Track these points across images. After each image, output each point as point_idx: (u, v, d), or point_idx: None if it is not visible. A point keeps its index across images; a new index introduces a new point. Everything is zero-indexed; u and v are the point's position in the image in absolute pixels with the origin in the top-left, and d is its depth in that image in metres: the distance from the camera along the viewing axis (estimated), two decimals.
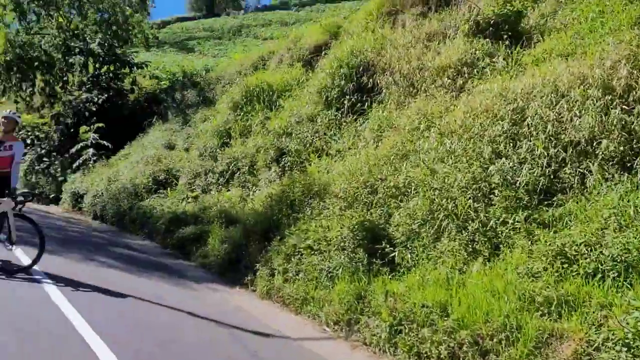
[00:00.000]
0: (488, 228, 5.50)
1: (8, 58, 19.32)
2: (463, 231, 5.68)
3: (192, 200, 12.37)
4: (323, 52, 12.98)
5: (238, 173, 12.04)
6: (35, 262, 6.93)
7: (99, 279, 7.08)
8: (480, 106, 6.73)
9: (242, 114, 13.44)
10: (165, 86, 21.26)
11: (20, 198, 7.17)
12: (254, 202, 10.13)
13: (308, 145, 10.44)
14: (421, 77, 8.82)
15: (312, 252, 6.97)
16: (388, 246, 6.16)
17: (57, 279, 6.63)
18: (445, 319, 4.84)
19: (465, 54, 8.28)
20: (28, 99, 21.60)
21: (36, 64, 20.00)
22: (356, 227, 6.65)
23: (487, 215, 5.60)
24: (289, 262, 7.17)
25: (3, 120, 7.42)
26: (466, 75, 8.02)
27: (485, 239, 5.47)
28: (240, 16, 46.20)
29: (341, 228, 6.82)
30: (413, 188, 6.65)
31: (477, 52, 8.24)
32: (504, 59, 7.78)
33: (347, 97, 10.33)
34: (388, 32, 10.73)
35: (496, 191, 5.67)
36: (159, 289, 7.09)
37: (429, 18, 10.17)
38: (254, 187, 11.33)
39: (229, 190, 11.85)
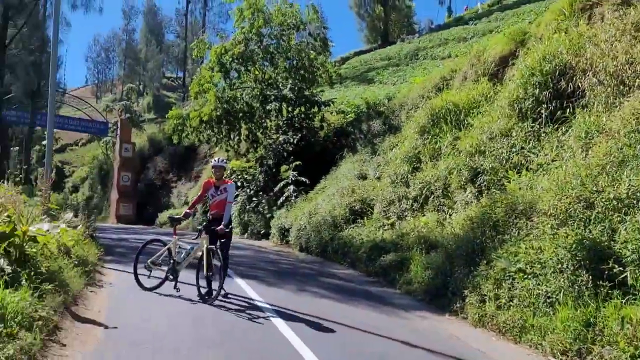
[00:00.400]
0: None
1: (218, 113, 22.15)
2: None
3: (389, 227, 12.56)
4: (510, 63, 12.36)
5: (432, 197, 11.92)
6: (220, 288, 7.38)
7: (314, 308, 7.52)
8: None
9: (429, 137, 13.36)
10: (351, 119, 22.18)
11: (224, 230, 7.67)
12: (453, 225, 9.89)
13: (504, 161, 9.93)
14: (633, 72, 7.85)
15: (525, 276, 6.53)
16: (616, 266, 5.49)
17: (279, 310, 7.20)
18: None
19: None
20: (235, 146, 24.40)
21: (240, 115, 22.55)
22: (574, 246, 6.07)
23: None
24: (500, 288, 6.81)
25: (214, 169, 8.06)
26: None
27: None
28: (415, 40, 46.43)
29: (556, 248, 6.28)
30: None
31: None
32: None
33: (544, 105, 9.65)
34: (584, 29, 9.79)
35: None
36: (369, 317, 7.25)
37: (634, 5, 9.04)
38: (450, 210, 11.10)
39: (424, 215, 11.79)
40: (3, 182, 8.85)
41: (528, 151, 9.50)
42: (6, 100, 26.72)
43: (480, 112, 12.07)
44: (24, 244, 6.45)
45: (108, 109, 57.88)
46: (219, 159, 8.19)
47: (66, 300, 6.40)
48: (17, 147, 42.59)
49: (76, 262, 8.00)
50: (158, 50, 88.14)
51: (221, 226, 7.54)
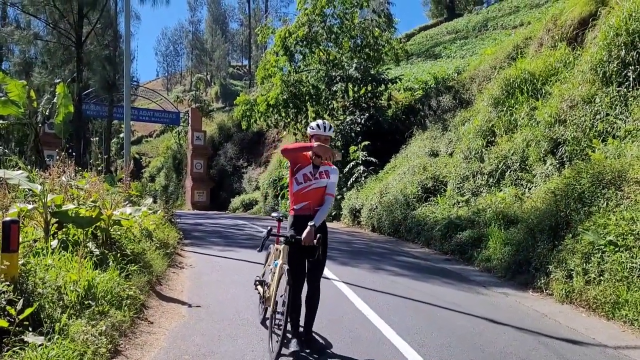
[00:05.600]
0: None
1: (285, 97, 22.31)
2: None
3: (464, 204, 12.21)
4: (591, 24, 11.57)
5: (508, 171, 11.46)
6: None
7: (391, 286, 7.42)
8: None
9: (504, 108, 12.81)
10: (420, 95, 21.69)
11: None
12: (533, 199, 9.46)
13: (588, 130, 9.37)
14: None
15: (617, 249, 6.13)
16: None
17: (355, 288, 7.16)
18: None
19: None
20: (303, 129, 24.50)
21: (306, 97, 22.61)
22: None
23: None
24: (589, 262, 6.43)
25: (316, 138, 4.63)
26: None
27: None
28: (483, 10, 44.66)
29: None
30: None
31: None
32: None
33: (631, 67, 8.99)
34: None
35: None
36: (448, 294, 7.06)
37: None
38: (528, 184, 10.64)
39: (501, 190, 11.36)
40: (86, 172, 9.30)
41: (614, 117, 8.90)
42: (85, 94, 28.19)
43: (559, 80, 11.42)
44: (110, 228, 6.77)
45: (178, 99, 59.98)
46: (324, 123, 4.74)
47: (151, 280, 6.66)
48: (97, 138, 44.95)
49: (158, 245, 8.34)
50: (223, 40, 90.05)
51: (308, 228, 4.38)
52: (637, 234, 6.04)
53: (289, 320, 4.38)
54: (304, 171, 4.64)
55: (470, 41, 34.04)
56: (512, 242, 8.57)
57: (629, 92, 8.94)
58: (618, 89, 9.17)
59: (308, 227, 4.37)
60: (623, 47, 9.19)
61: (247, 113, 24.15)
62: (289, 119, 23.79)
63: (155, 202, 14.07)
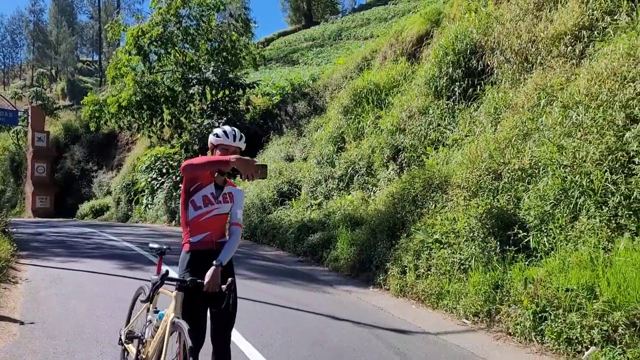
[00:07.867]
0: (632, 200, 5.08)
1: (138, 98, 21.38)
2: (603, 207, 5.31)
3: (316, 207, 12.75)
4: (426, 42, 12.77)
5: (357, 176, 12.21)
6: None
7: (242, 290, 7.51)
8: (606, 70, 6.24)
9: (353, 117, 13.62)
10: (277, 101, 22.10)
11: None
12: (376, 202, 10.21)
13: (423, 138, 10.33)
14: (535, 50, 8.37)
15: (441, 246, 6.90)
16: (520, 232, 5.92)
17: None
18: (594, 301, 4.58)
19: (581, 16, 7.72)
20: (159, 132, 23.66)
21: (162, 99, 21.89)
22: (483, 215, 6.47)
23: (629, 186, 5.17)
24: (419, 258, 7.15)
25: (223, 148, 3.45)
26: (586, 39, 7.48)
27: (630, 212, 5.06)
28: (338, 20, 46.78)
29: (468, 218, 6.68)
30: (541, 168, 6.34)
31: (595, 12, 7.65)
32: (627, 15, 7.13)
33: (457, 83, 10.10)
34: (492, 9, 10.29)
35: (636, 159, 5.22)
36: (296, 295, 7.39)
37: None
38: (374, 188, 11.43)
39: (350, 193, 12.06)
40: None
41: (444, 128, 9.92)
42: None
43: (400, 91, 12.43)
44: None
45: (17, 96, 54.34)
46: (233, 130, 3.50)
47: None
48: None
49: None
50: (70, 32, 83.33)
51: (213, 268, 3.23)
52: (457, 232, 6.84)
53: None
54: (203, 192, 3.46)
55: (326, 49, 35.48)
56: (357, 242, 9.18)
57: (456, 105, 10.05)
58: (447, 102, 10.26)
59: (212, 267, 3.23)
60: (451, 65, 10.30)
61: (97, 114, 22.71)
62: (143, 121, 22.83)
63: None
